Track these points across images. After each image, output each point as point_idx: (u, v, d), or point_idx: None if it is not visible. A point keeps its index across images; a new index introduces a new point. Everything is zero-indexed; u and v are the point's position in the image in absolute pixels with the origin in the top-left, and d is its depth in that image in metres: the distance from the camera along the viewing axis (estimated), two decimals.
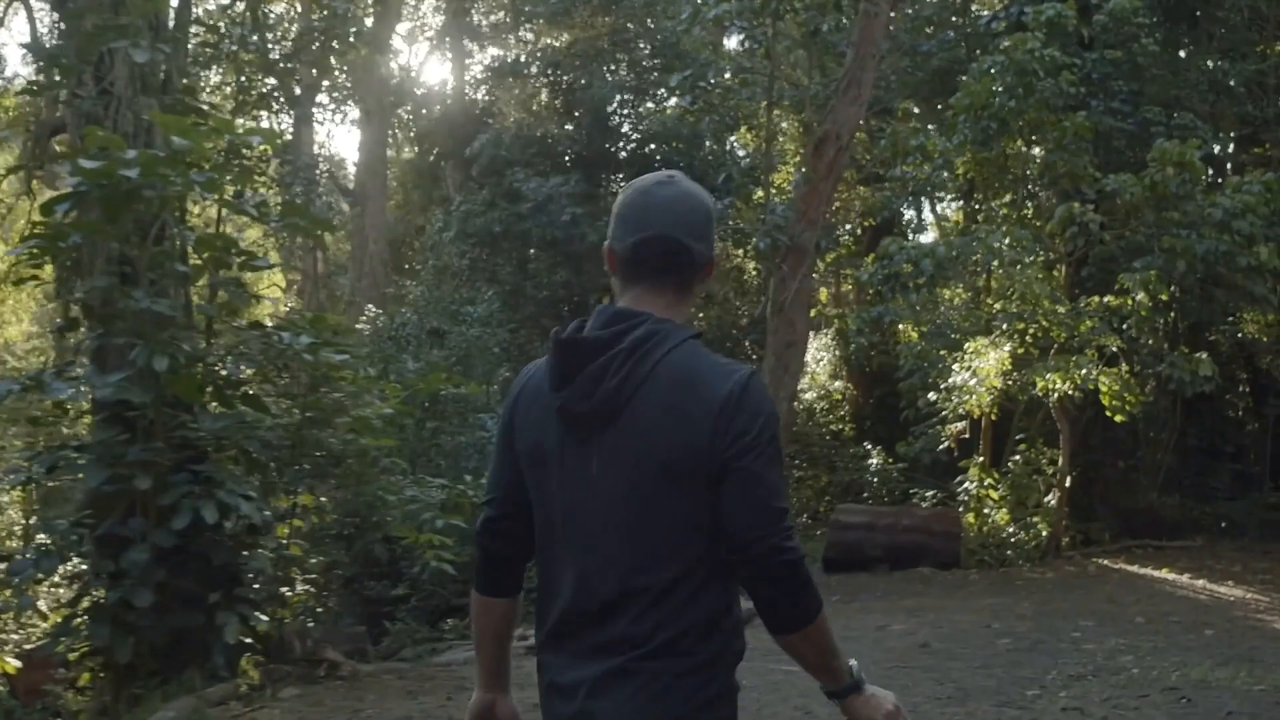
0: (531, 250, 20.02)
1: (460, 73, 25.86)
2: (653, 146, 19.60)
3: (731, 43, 19.81)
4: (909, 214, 22.22)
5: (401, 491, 10.02)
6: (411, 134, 28.21)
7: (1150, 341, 15.69)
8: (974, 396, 16.88)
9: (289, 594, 9.94)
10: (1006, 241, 14.95)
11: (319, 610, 11.17)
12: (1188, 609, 12.36)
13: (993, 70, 15.23)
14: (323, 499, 10.45)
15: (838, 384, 24.69)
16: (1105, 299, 15.32)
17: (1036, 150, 16.06)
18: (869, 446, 21.30)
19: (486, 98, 22.47)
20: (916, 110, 18.52)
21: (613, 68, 20.52)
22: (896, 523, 16.56)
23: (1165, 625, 11.24)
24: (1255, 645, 10.06)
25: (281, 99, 23.26)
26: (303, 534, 11.06)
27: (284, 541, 9.98)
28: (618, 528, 2.45)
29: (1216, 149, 18.76)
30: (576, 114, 19.86)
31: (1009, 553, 16.69)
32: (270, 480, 9.64)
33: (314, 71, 22.39)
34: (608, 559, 2.46)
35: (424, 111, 25.33)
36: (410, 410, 11.13)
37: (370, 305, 19.87)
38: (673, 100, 17.10)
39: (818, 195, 13.80)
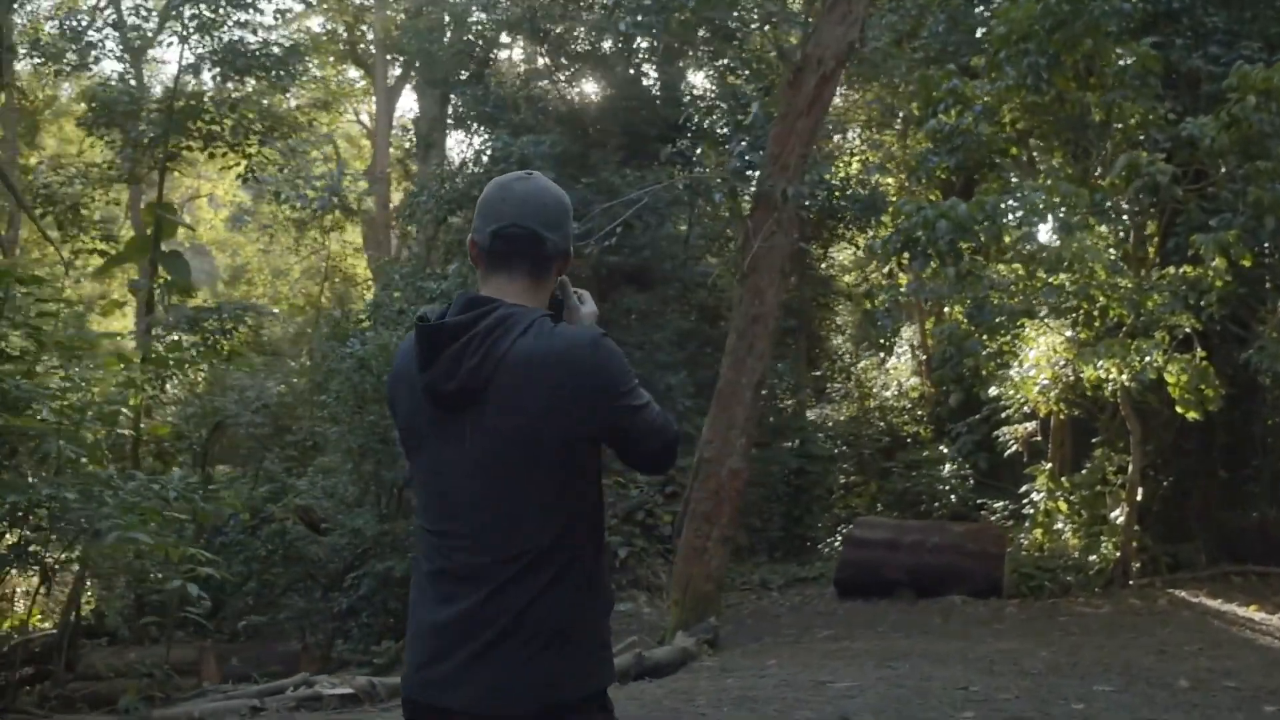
0: None
1: None
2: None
3: None
4: None
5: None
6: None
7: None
8: (1024, 391, 14.17)
9: None
10: (1052, 199, 12.07)
11: None
12: (1259, 666, 9.45)
13: None
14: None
15: (913, 380, 21.88)
16: (1180, 269, 12.39)
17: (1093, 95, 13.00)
18: (944, 450, 18.57)
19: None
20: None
21: None
22: (924, 541, 13.84)
23: (1215, 693, 8.35)
24: None
25: None
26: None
27: None
28: (487, 501, 2.61)
29: None
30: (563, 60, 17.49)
31: (1069, 579, 13.84)
32: None
33: None
34: (478, 531, 2.61)
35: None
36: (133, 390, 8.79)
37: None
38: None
39: (794, 134, 11.14)
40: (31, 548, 8.08)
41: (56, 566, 10.14)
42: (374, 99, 32.64)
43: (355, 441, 15.78)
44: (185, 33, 17.52)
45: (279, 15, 22.55)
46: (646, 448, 2.72)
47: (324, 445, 18.30)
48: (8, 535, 7.66)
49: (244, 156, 17.29)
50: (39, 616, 16.40)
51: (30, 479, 7.45)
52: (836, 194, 17.31)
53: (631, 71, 17.50)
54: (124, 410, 16.61)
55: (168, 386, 16.96)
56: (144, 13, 19.54)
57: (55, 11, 19.68)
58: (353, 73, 34.66)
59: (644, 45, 16.76)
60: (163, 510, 8.09)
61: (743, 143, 11.84)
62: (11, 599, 18.46)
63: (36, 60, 19.82)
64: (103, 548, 8.04)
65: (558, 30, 16.85)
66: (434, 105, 21.03)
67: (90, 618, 16.75)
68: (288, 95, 22.04)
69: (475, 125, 17.62)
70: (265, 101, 25.18)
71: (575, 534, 2.64)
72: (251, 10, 17.81)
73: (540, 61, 18.88)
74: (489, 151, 17.18)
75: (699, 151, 13.69)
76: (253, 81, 19.39)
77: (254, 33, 18.33)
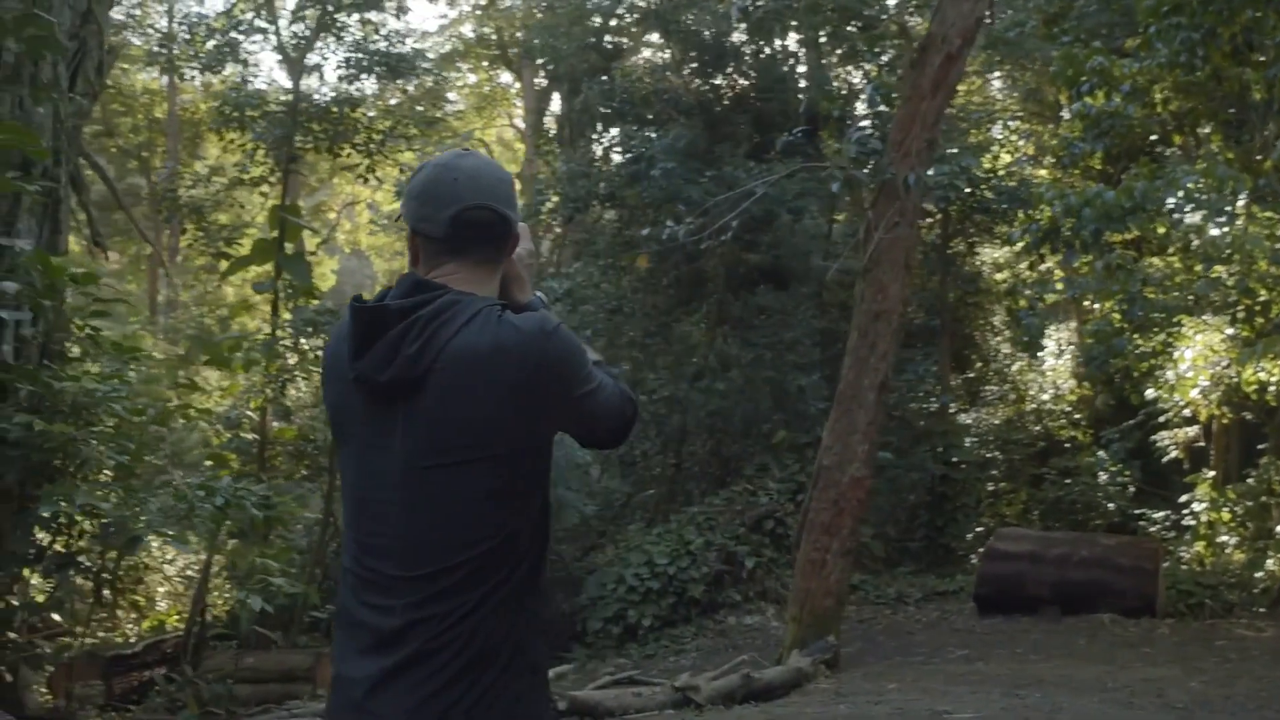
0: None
1: None
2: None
3: None
4: None
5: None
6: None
7: None
8: (1180, 393, 13.15)
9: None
10: (1209, 184, 11.07)
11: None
12: None
13: None
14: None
15: (1069, 383, 20.73)
16: None
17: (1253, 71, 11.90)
18: (1103, 456, 17.48)
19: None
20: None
21: None
22: (1070, 554, 12.88)
23: None
24: None
25: None
26: None
27: None
28: (417, 508, 2.39)
29: None
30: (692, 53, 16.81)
31: (1232, 597, 12.76)
32: None
33: None
34: (404, 540, 2.39)
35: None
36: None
37: None
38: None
39: (917, 118, 10.36)
40: (79, 556, 7.84)
41: (110, 574, 9.99)
42: (523, 101, 32.77)
43: None
44: (317, 36, 17.56)
45: (420, 31, 22.36)
46: (607, 428, 2.54)
47: None
48: (55, 543, 7.43)
49: (366, 157, 17.17)
50: (175, 618, 16.50)
51: (79, 485, 7.19)
52: (983, 186, 16.40)
53: (761, 60, 16.82)
54: (249, 414, 16.72)
55: (291, 390, 16.89)
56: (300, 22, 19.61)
57: (216, 22, 19.79)
58: (506, 76, 34.90)
59: (769, 31, 16.05)
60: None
61: (866, 130, 11.07)
62: (152, 600, 18.70)
63: (195, 70, 20.17)
64: (140, 555, 7.75)
65: (686, 21, 16.29)
66: (566, 104, 20.73)
67: (224, 620, 16.80)
68: (400, 97, 21.86)
69: (602, 122, 17.15)
70: (420, 107, 25.39)
71: (515, 546, 2.40)
72: (395, 16, 17.86)
73: (668, 55, 18.39)
74: (616, 148, 16.72)
75: (822, 140, 13.01)
76: (410, 85, 19.57)
77: (399, 40, 18.40)
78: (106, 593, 17.61)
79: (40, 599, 8.89)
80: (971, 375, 20.39)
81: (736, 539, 14.23)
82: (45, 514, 6.68)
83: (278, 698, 12.57)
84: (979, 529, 16.92)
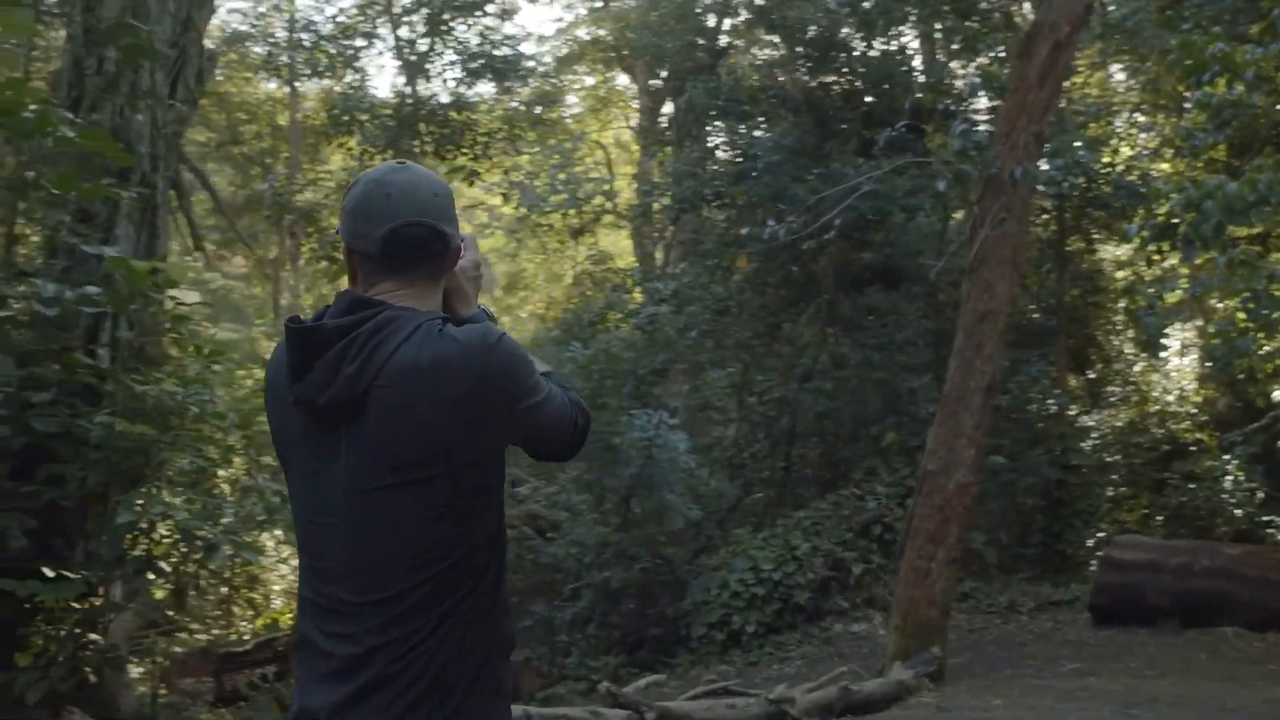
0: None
1: None
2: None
3: None
4: None
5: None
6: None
7: None
8: None
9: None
10: None
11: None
12: None
13: None
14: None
15: (1194, 384, 20.01)
16: None
17: None
18: (1227, 460, 16.78)
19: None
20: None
21: None
22: (1191, 563, 12.33)
23: None
24: None
25: None
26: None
27: None
28: (365, 530, 2.32)
29: None
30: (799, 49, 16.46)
31: None
32: None
33: None
34: (355, 564, 2.33)
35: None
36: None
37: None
38: None
39: (1025, 110, 9.96)
40: (158, 560, 7.86)
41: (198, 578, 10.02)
42: (638, 103, 32.70)
43: None
44: (433, 44, 17.70)
45: (537, 35, 22.64)
46: (556, 439, 2.51)
47: None
48: (136, 547, 7.45)
49: (470, 159, 17.22)
50: (289, 615, 16.68)
51: (157, 490, 7.20)
52: (1101, 181, 15.83)
53: (871, 55, 16.45)
54: None
55: None
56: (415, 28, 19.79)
57: (335, 33, 20.08)
58: (623, 79, 34.89)
59: (879, 25, 15.66)
60: None
61: (971, 124, 10.71)
62: (268, 598, 18.97)
63: (314, 77, 20.49)
64: (220, 560, 7.75)
65: (794, 16, 16.00)
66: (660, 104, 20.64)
67: None
68: (516, 100, 21.94)
69: (708, 121, 16.95)
70: (539, 109, 25.47)
71: (471, 562, 2.36)
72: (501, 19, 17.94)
73: (775, 52, 18.12)
74: (723, 146, 16.50)
75: (927, 135, 12.61)
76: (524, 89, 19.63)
77: (513, 43, 18.53)
78: (225, 590, 17.93)
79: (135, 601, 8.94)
80: (1092, 376, 19.75)
81: (843, 544, 13.92)
82: (124, 519, 6.69)
83: None
84: (1098, 535, 16.35)
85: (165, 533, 7.68)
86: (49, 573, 7.38)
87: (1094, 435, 18.28)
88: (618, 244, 31.15)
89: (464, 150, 17.59)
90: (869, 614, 13.43)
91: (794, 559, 13.65)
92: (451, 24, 18.16)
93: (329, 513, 2.36)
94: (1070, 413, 17.81)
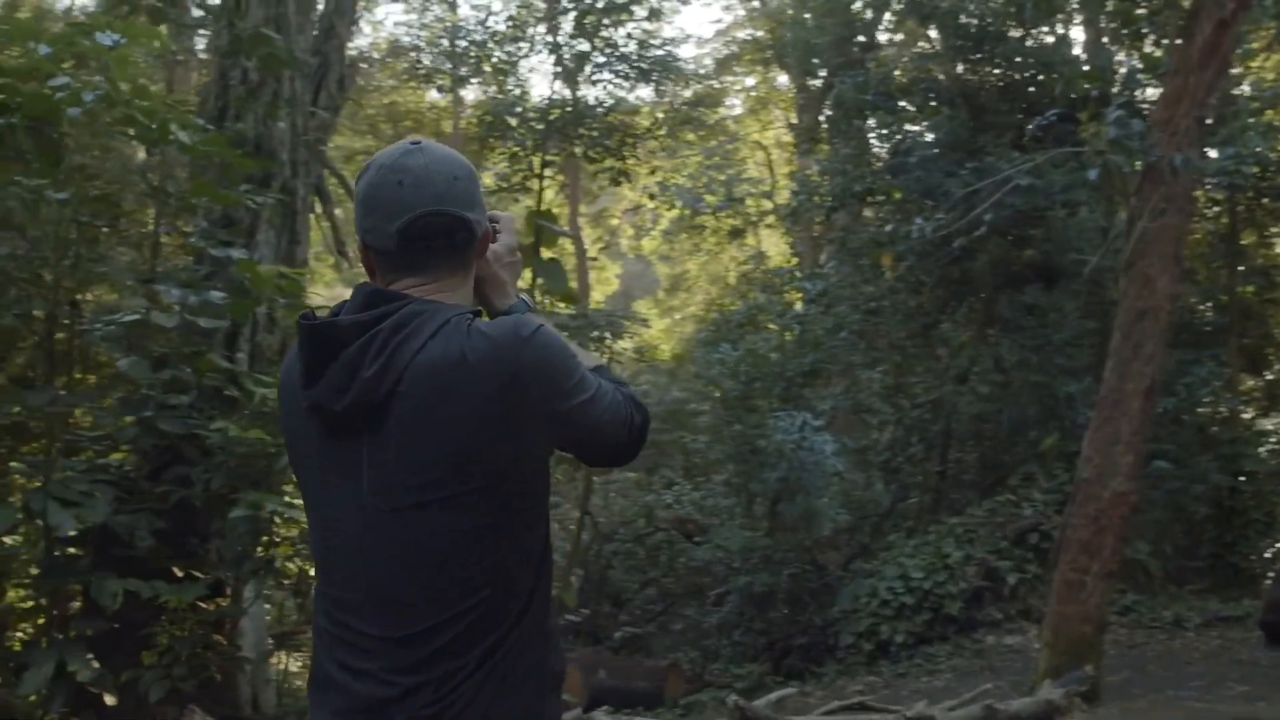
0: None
1: None
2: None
3: None
4: None
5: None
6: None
7: None
8: None
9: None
10: None
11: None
12: None
13: None
14: None
15: None
16: None
17: None
18: None
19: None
20: None
21: None
22: None
23: None
24: None
25: None
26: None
27: None
28: (390, 556, 2.05)
29: None
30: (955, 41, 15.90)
31: None
32: None
33: None
34: (379, 596, 2.07)
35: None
36: None
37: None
38: None
39: (1186, 94, 9.35)
40: (274, 562, 7.88)
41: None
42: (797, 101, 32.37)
43: (724, 451, 15.11)
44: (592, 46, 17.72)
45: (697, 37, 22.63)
46: (609, 441, 2.21)
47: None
48: (256, 548, 7.47)
49: (618, 160, 17.13)
50: None
51: (272, 492, 7.18)
52: (1278, 171, 14.97)
53: (1029, 44, 15.82)
54: None
55: None
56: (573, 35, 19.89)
57: (498, 40, 20.25)
58: (783, 78, 34.61)
59: (1039, 13, 15.03)
60: None
61: (1132, 110, 10.09)
62: None
63: (469, 84, 20.74)
64: None
65: (946, 6, 15.48)
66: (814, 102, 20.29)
67: None
68: (678, 101, 21.83)
69: (858, 116, 16.54)
70: (697, 110, 25.37)
71: (513, 592, 2.09)
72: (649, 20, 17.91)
73: (927, 44, 17.61)
74: (875, 142, 16.09)
75: (1080, 124, 11.99)
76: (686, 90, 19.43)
77: (671, 45, 18.53)
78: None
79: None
80: (1270, 377, 18.73)
81: (998, 553, 13.38)
82: (238, 519, 6.69)
83: None
84: (1274, 547, 15.45)
85: (284, 534, 7.73)
86: (179, 573, 7.46)
87: (1272, 440, 17.30)
88: (780, 245, 30.81)
89: (613, 152, 17.48)
90: (1023, 626, 12.86)
91: (945, 567, 13.17)
92: (603, 27, 18.11)
93: (348, 534, 2.11)
94: (1245, 416, 16.90)
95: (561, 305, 16.17)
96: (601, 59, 18.16)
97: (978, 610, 13.07)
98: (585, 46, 18.66)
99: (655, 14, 19.60)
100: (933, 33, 16.88)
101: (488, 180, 20.48)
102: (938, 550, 13.41)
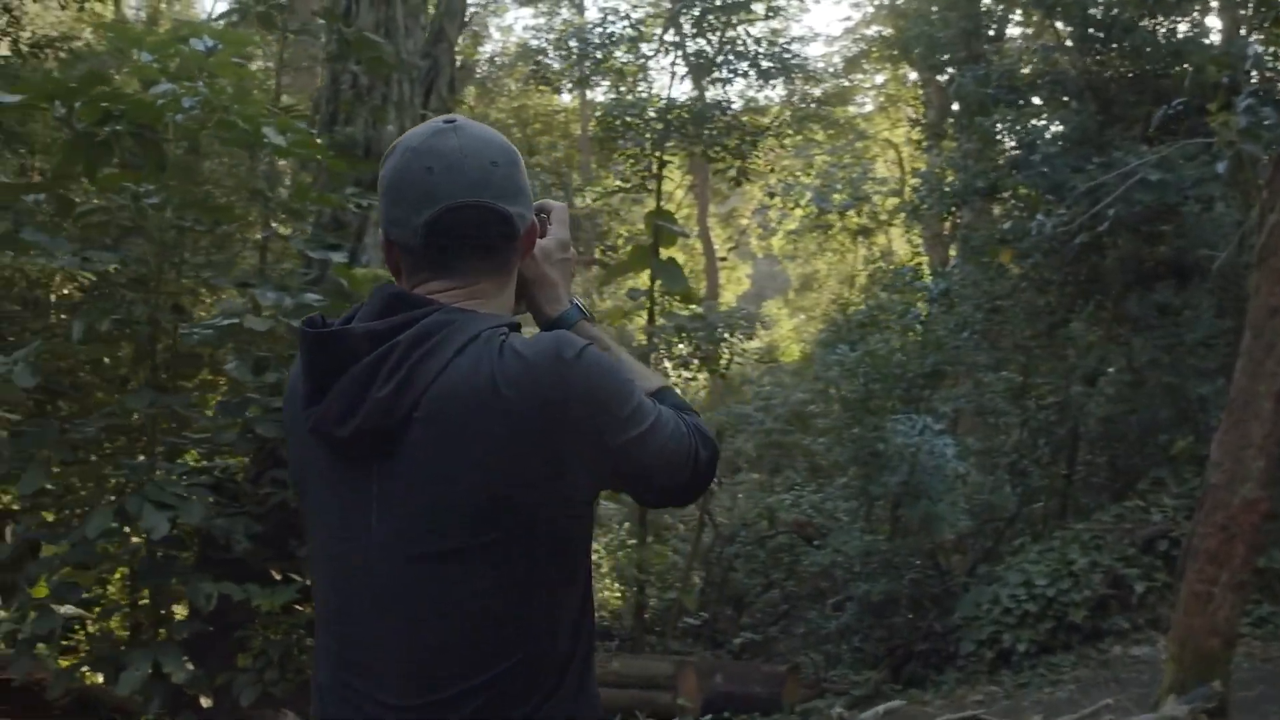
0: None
1: None
2: None
3: None
4: None
5: None
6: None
7: None
8: None
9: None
10: None
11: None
12: None
13: None
14: None
15: None
16: None
17: None
18: None
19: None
20: None
21: None
22: None
23: None
24: None
25: None
26: None
27: None
28: (404, 608, 1.76)
29: None
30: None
31: None
32: None
33: None
34: (393, 655, 1.77)
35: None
36: None
37: None
38: None
39: None
40: None
41: None
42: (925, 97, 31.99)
43: (844, 454, 14.88)
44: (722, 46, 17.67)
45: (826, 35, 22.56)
46: (670, 480, 1.91)
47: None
48: None
49: (738, 160, 17.02)
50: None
51: None
52: None
53: (1161, 34, 15.29)
54: None
55: None
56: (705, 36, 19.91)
57: (614, 40, 20.32)
58: (914, 75, 34.27)
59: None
60: None
61: (1265, 98, 9.64)
62: None
63: (609, 87, 20.84)
64: None
65: None
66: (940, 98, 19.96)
67: (611, 620, 17.08)
68: (797, 100, 21.72)
69: (979, 112, 16.18)
70: (823, 108, 25.19)
71: (550, 655, 1.79)
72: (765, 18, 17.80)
73: (1052, 36, 17.16)
74: (998, 137, 15.69)
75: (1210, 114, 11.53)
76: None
77: (799, 43, 18.44)
78: None
79: None
80: None
81: (1125, 560, 12.93)
82: None
83: (637, 705, 12.50)
84: None
85: None
86: (277, 575, 7.53)
87: None
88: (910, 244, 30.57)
89: (732, 151, 17.39)
90: (1152, 636, 12.41)
91: (1070, 574, 12.78)
92: (724, 25, 18.04)
93: (360, 585, 1.82)
94: None
95: (682, 304, 16.12)
96: (720, 58, 18.06)
97: (1104, 619, 12.66)
98: (705, 45, 18.61)
99: (775, 11, 19.45)
100: (1060, 25, 16.41)
101: (610, 182, 20.57)
102: (1062, 556, 13.03)
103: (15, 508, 7.98)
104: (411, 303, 1.84)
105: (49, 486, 6.72)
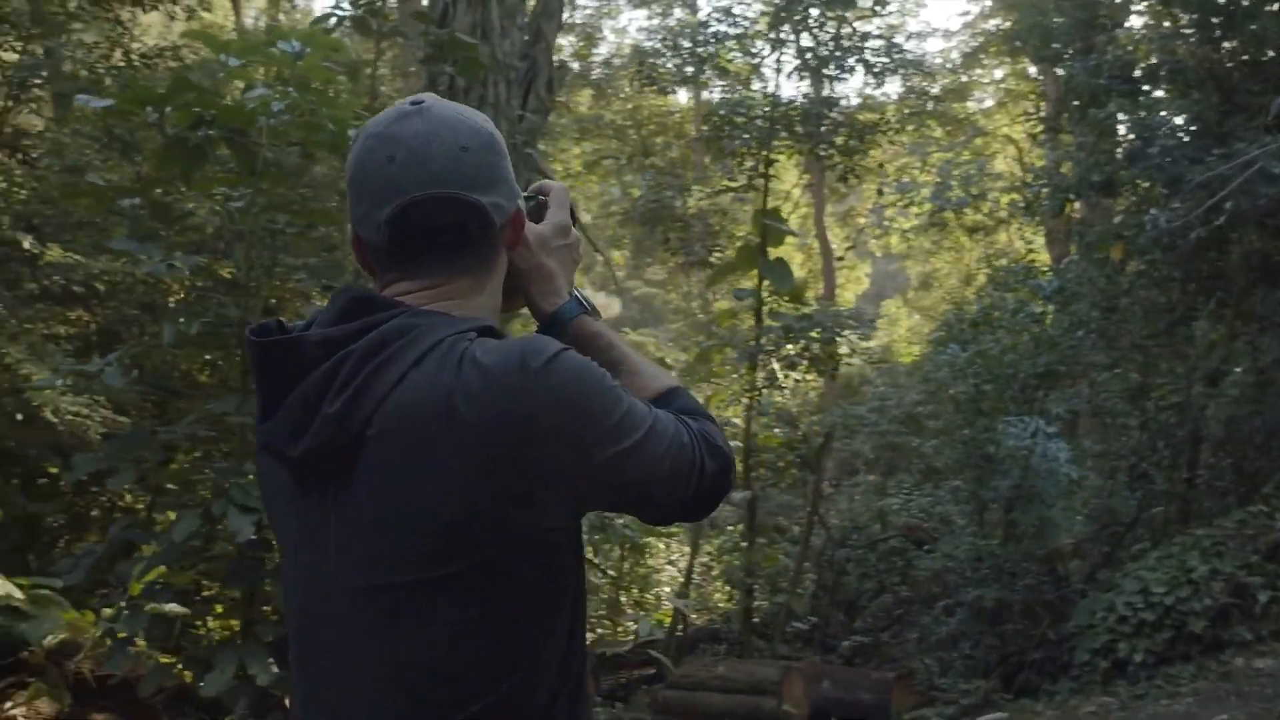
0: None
1: None
2: None
3: None
4: None
5: None
6: None
7: None
8: None
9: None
10: None
11: None
12: None
13: None
14: None
15: None
16: None
17: None
18: None
19: None
20: None
21: None
22: None
23: None
24: None
25: None
26: None
27: None
28: (365, 644, 1.59)
29: None
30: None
31: None
32: None
33: None
34: (358, 699, 1.60)
35: None
36: None
37: None
38: None
39: None
40: None
41: None
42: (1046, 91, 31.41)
43: (954, 457, 14.59)
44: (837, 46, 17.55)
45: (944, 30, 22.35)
46: (670, 497, 1.70)
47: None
48: None
49: (846, 158, 16.85)
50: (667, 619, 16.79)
51: None
52: None
53: None
54: (734, 421, 16.75)
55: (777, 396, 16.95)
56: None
57: (720, 39, 20.30)
58: (1033, 69, 33.68)
59: None
60: None
61: None
62: (658, 599, 19.22)
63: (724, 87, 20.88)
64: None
65: None
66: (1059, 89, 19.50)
67: (720, 623, 17.03)
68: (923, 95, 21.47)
69: (1092, 103, 15.73)
70: (944, 104, 24.88)
71: (530, 697, 1.60)
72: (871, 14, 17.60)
73: (1169, 23, 16.63)
74: (1112, 129, 15.26)
75: None
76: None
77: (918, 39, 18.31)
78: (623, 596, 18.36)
79: None
80: None
81: (1248, 568, 12.42)
82: None
83: (742, 710, 12.42)
84: None
85: None
86: None
87: None
88: (1032, 240, 29.99)
89: (840, 149, 17.20)
90: (1276, 649, 11.92)
91: (1189, 582, 12.32)
92: (828, 20, 17.87)
93: (323, 617, 1.66)
94: None
95: (788, 304, 15.99)
96: (824, 53, 17.88)
97: (1225, 629, 12.18)
98: (813, 42, 18.44)
99: (881, 5, 19.22)
100: (1178, 12, 15.90)
101: (719, 181, 20.49)
102: (1181, 564, 12.57)
103: (117, 515, 8.14)
104: (373, 306, 1.66)
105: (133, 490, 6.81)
